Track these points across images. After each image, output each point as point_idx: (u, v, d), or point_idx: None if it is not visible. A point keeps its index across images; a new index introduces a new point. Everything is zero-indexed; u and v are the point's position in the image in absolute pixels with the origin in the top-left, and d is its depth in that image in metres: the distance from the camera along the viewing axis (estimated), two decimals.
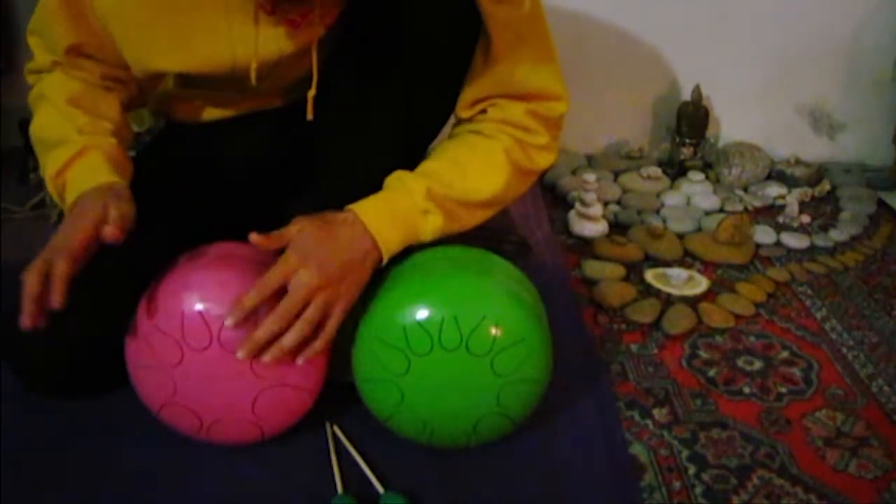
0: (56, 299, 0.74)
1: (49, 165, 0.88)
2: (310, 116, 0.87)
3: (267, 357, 0.79)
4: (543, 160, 0.96)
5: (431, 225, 0.87)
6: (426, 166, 0.90)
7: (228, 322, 0.79)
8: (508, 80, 0.91)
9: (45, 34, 0.93)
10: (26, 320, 0.74)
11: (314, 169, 0.96)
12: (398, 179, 0.88)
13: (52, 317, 0.75)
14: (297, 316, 0.80)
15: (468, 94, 0.94)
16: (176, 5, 0.85)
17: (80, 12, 0.88)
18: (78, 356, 0.89)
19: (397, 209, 0.86)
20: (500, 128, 0.92)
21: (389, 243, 0.85)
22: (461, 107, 0.95)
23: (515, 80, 0.91)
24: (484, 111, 0.94)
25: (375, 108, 0.91)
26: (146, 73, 0.92)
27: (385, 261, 0.86)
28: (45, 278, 0.75)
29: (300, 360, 0.81)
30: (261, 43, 0.87)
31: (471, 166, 0.91)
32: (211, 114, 1.03)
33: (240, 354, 0.79)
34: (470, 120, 0.94)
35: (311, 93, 0.87)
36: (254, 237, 0.81)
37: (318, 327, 0.81)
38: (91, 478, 0.86)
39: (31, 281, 0.75)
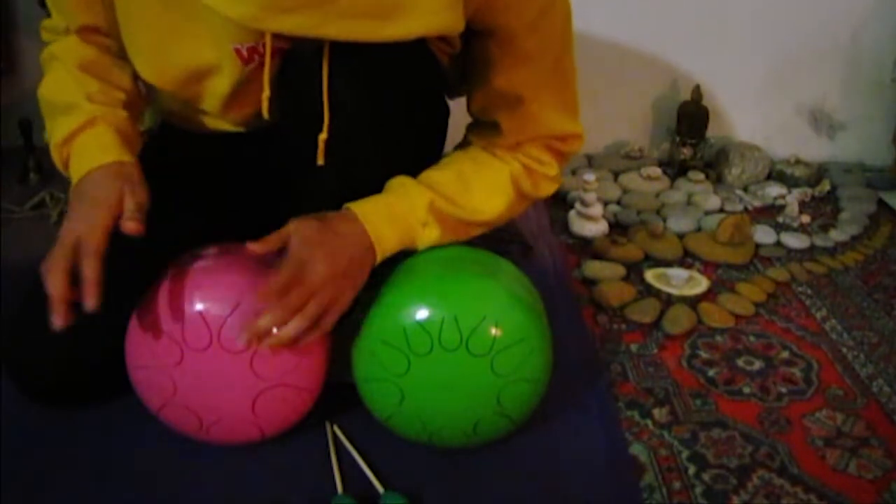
0: (92, 304, 0.73)
1: (56, 132, 0.86)
2: None
3: (264, 345, 0.79)
4: (548, 189, 0.97)
5: (428, 236, 0.88)
6: (431, 176, 0.90)
7: (242, 337, 0.79)
8: (523, 129, 0.92)
9: (58, 4, 0.90)
10: (59, 322, 0.73)
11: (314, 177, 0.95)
12: (402, 186, 0.88)
13: (50, 327, 0.75)
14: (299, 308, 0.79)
15: (482, 137, 0.95)
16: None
17: None
18: (78, 363, 0.89)
19: (397, 214, 0.86)
20: (513, 154, 0.93)
21: (386, 245, 0.85)
22: (475, 140, 0.96)
23: (532, 129, 0.93)
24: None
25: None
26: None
27: (378, 261, 0.85)
28: (71, 277, 0.74)
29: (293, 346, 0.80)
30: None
31: (476, 185, 0.91)
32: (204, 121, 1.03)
33: (240, 340, 0.79)
34: None
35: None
36: (250, 246, 0.81)
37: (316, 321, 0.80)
38: (91, 478, 0.86)
39: (57, 282, 0.74)
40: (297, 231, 0.81)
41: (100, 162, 0.83)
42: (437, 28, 0.74)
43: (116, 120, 0.88)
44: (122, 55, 0.92)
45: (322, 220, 0.83)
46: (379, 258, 0.85)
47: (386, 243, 0.85)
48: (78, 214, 0.79)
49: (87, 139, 0.85)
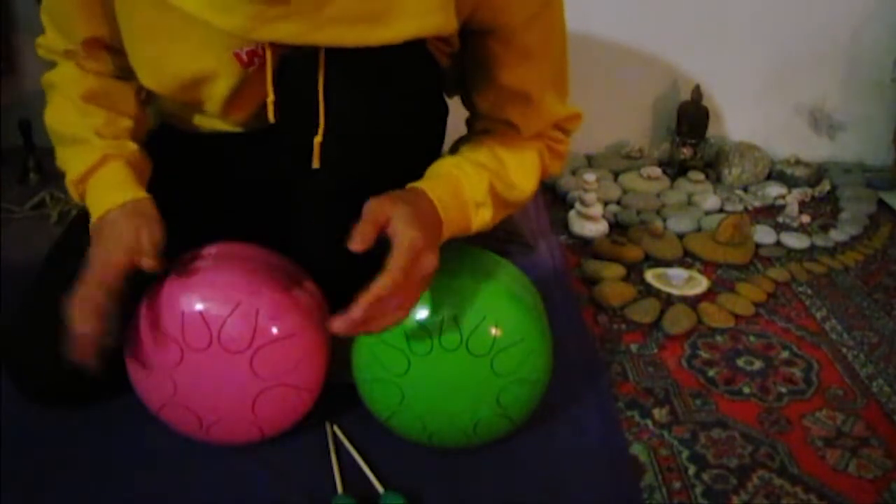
0: (108, 341, 0.76)
1: (69, 169, 0.88)
2: None
3: (342, 331, 0.73)
4: (558, 167, 0.99)
5: (482, 218, 0.85)
6: (473, 157, 0.88)
7: (357, 312, 0.71)
8: (537, 123, 0.93)
9: (58, 20, 0.90)
10: (87, 362, 0.76)
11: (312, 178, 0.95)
12: (457, 167, 0.85)
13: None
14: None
15: (497, 128, 0.95)
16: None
17: (98, 2, 0.86)
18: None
19: (460, 194, 0.83)
20: (532, 136, 0.94)
21: (450, 230, 0.81)
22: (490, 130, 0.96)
23: (543, 120, 0.93)
24: None
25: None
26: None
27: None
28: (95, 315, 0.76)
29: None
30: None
31: (512, 166, 0.90)
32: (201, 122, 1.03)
33: (333, 327, 0.72)
34: None
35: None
36: (353, 245, 0.71)
37: None
38: (91, 477, 0.86)
39: (82, 320, 0.76)
40: (397, 214, 0.74)
41: (115, 202, 0.84)
42: (428, 30, 0.74)
43: (126, 153, 0.89)
44: (123, 73, 0.92)
45: (408, 202, 0.77)
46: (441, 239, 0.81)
47: (448, 229, 0.80)
48: (96, 254, 0.81)
49: (101, 178, 0.87)
